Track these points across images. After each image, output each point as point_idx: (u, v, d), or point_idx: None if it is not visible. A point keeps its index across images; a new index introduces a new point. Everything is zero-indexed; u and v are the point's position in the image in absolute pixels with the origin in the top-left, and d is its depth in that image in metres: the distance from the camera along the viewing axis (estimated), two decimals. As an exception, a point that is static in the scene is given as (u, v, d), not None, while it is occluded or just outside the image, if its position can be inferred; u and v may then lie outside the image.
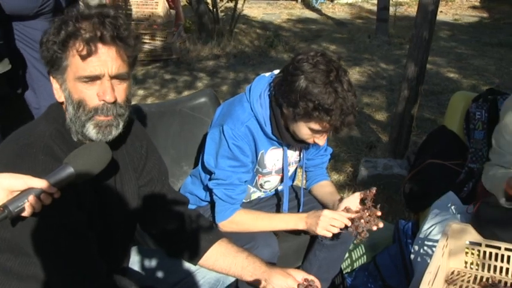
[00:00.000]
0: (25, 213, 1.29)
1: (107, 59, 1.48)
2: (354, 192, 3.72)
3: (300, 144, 2.17)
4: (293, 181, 2.54)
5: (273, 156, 2.23)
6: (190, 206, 2.28)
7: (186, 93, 6.04)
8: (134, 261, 1.96)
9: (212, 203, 2.23)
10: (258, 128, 2.12)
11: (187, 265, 1.91)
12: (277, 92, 2.01)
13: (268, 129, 2.11)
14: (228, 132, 2.08)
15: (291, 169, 2.36)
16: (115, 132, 1.55)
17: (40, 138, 1.49)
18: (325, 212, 2.06)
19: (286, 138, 2.11)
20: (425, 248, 2.43)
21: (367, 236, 2.01)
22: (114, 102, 1.51)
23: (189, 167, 2.60)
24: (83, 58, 1.46)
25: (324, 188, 2.40)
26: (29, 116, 4.73)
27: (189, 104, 2.68)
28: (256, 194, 2.40)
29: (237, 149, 2.08)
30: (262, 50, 7.86)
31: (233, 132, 2.07)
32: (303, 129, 1.99)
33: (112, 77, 1.50)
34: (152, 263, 2.00)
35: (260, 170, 2.25)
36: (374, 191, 2.02)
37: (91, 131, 1.51)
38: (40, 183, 1.30)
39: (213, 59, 7.45)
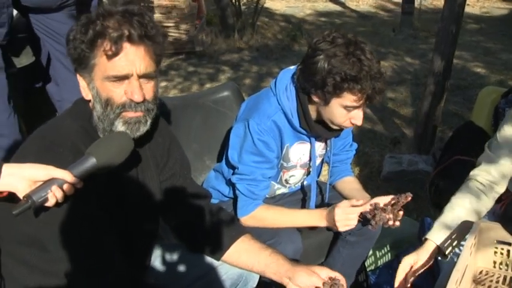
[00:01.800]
0: (48, 203, 1.32)
1: (134, 58, 1.48)
2: (378, 188, 3.71)
3: (333, 133, 2.14)
4: (318, 176, 2.51)
5: (299, 151, 2.21)
6: (213, 201, 2.28)
7: (208, 86, 6.05)
8: (155, 256, 1.96)
9: (235, 198, 2.22)
10: (284, 121, 2.10)
11: (210, 260, 1.90)
12: (301, 79, 2.00)
13: (296, 122, 2.08)
14: (253, 127, 2.06)
15: (317, 162, 2.35)
16: (143, 129, 1.55)
17: (66, 135, 1.49)
18: (339, 205, 2.04)
19: (315, 129, 2.09)
20: (452, 246, 2.39)
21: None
22: (143, 101, 1.51)
23: (211, 162, 2.59)
24: (111, 57, 1.45)
25: (351, 184, 2.38)
26: (51, 109, 4.78)
27: (211, 97, 2.67)
28: (280, 190, 2.39)
29: (263, 144, 2.07)
30: (285, 43, 7.82)
31: (259, 127, 2.05)
32: (338, 110, 1.95)
33: (140, 76, 1.50)
34: (174, 257, 1.99)
35: (285, 164, 2.23)
36: (409, 198, 1.99)
37: (120, 128, 1.51)
38: (63, 174, 1.32)
39: (235, 52, 7.43)
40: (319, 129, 2.09)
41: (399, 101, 5.53)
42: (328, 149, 2.30)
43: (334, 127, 2.05)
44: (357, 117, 1.98)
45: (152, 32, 1.51)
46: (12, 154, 3.61)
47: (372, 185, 3.78)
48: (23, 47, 3.75)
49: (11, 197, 1.33)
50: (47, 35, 3.70)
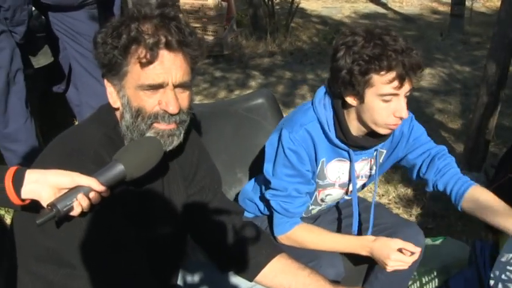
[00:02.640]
0: (73, 213, 1.34)
1: (171, 67, 1.49)
2: (423, 207, 3.69)
3: (375, 140, 2.10)
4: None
5: (337, 168, 2.19)
6: (248, 215, 2.29)
7: (237, 92, 6.09)
8: (182, 275, 1.98)
9: (271, 214, 2.24)
10: (319, 132, 2.08)
11: (241, 281, 1.92)
12: (331, 83, 2.01)
13: (332, 133, 2.07)
14: (285, 136, 2.06)
15: (359, 183, 2.31)
16: (176, 142, 1.57)
17: (89, 144, 1.51)
18: (393, 245, 2.03)
19: (353, 138, 2.06)
20: (507, 273, 2.37)
21: None
22: (178, 113, 1.52)
23: (243, 175, 2.61)
24: (146, 65, 1.47)
25: (483, 196, 2.16)
26: (68, 114, 4.86)
27: (244, 105, 2.70)
28: (315, 210, 2.39)
29: (294, 155, 2.06)
30: (322, 47, 7.83)
31: (290, 135, 2.05)
32: (375, 104, 1.92)
33: (175, 86, 1.51)
34: (202, 277, 2.01)
35: (320, 182, 2.20)
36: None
37: None
38: (89, 181, 1.35)
39: (267, 56, 7.47)
40: (358, 138, 2.07)
41: (447, 112, 5.49)
42: (375, 167, 2.25)
43: (381, 130, 1.99)
44: (399, 107, 1.92)
45: (190, 38, 1.53)
46: (27, 160, 3.69)
47: (417, 204, 3.75)
48: (42, 47, 3.82)
49: (33, 206, 1.35)
50: (66, 34, 3.78)
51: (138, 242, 1.54)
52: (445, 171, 2.21)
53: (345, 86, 1.93)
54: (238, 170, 2.63)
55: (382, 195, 3.92)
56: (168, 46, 1.48)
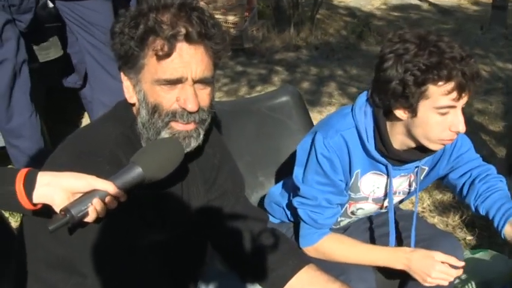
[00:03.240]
0: (88, 219, 1.33)
1: (191, 61, 1.49)
2: (461, 217, 3.65)
3: (421, 155, 2.05)
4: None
5: (373, 182, 2.15)
6: (274, 220, 2.28)
7: (259, 89, 6.09)
8: (201, 285, 1.97)
9: (297, 222, 2.22)
10: (356, 141, 2.04)
11: (263, 292, 1.91)
12: (376, 95, 1.95)
13: (371, 145, 2.02)
14: (318, 141, 2.03)
15: (395, 199, 2.27)
16: (194, 144, 1.57)
17: (104, 144, 1.51)
18: (436, 256, 2.00)
19: (394, 152, 2.01)
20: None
21: None
22: (197, 111, 1.51)
23: (265, 178, 2.61)
24: (163, 58, 1.46)
25: None
26: (77, 110, 4.89)
27: (268, 103, 2.69)
28: (345, 222, 2.36)
29: (327, 162, 2.03)
30: (350, 41, 7.81)
31: (324, 141, 2.02)
32: (431, 118, 1.87)
33: (195, 81, 1.51)
34: (220, 287, 2.01)
35: (352, 195, 2.17)
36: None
37: None
38: (105, 185, 1.34)
39: (291, 50, 7.46)
40: (400, 152, 2.02)
41: (488, 113, 5.44)
42: (415, 185, 2.21)
43: (433, 146, 1.95)
44: (456, 121, 1.87)
45: (213, 30, 1.52)
46: (32, 158, 3.71)
47: (454, 212, 3.71)
48: (51, 38, 3.85)
49: (45, 211, 1.35)
50: (77, 24, 3.79)
51: (155, 248, 1.54)
52: (487, 196, 2.17)
53: (395, 98, 1.88)
54: (260, 173, 2.63)
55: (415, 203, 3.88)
56: (188, 38, 1.47)
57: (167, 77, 1.48)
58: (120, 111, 1.63)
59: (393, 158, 2.04)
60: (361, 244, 2.17)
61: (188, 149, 1.56)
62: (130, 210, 1.46)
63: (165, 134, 1.53)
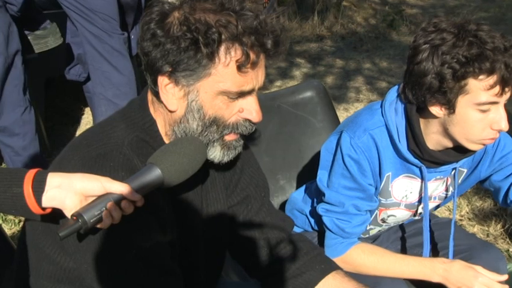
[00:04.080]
0: (102, 225, 1.33)
1: (259, 70, 1.51)
2: (503, 225, 3.64)
3: (459, 156, 2.04)
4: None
5: (405, 186, 2.14)
6: (296, 229, 2.28)
7: (279, 84, 6.11)
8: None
9: (322, 231, 2.22)
10: (386, 141, 2.04)
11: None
12: (409, 89, 1.94)
13: (403, 145, 2.02)
14: (345, 141, 2.03)
15: (431, 205, 2.26)
16: (235, 154, 1.60)
17: (118, 147, 1.51)
18: (480, 271, 2.00)
19: (429, 152, 2.00)
20: None
21: None
22: None
23: (287, 181, 2.61)
24: (239, 69, 1.46)
25: None
26: (77, 104, 4.92)
27: (290, 98, 2.70)
28: (375, 230, 2.36)
29: (355, 164, 2.03)
30: (380, 31, 7.80)
31: (352, 141, 2.02)
32: (471, 115, 1.87)
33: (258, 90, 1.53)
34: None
35: (383, 200, 2.17)
36: None
37: (217, 152, 1.55)
38: (121, 188, 1.34)
39: (314, 40, 7.46)
40: (436, 153, 2.01)
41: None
42: (452, 189, 2.21)
43: (472, 146, 1.94)
44: (498, 118, 1.87)
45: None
46: (27, 158, 3.70)
47: (496, 220, 3.70)
48: (50, 25, 3.86)
49: (54, 216, 1.35)
50: (77, 12, 3.80)
51: (173, 257, 1.55)
52: None
53: (431, 94, 1.87)
54: (280, 176, 2.64)
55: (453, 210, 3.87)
56: (264, 47, 1.48)
57: (239, 89, 1.49)
58: (135, 111, 1.62)
59: (428, 160, 2.03)
60: (393, 254, 2.17)
61: (230, 158, 1.58)
62: (149, 215, 1.46)
63: (217, 146, 1.54)
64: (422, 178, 2.10)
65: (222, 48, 1.45)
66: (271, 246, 1.85)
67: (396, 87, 2.08)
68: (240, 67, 1.45)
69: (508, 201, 2.19)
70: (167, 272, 1.50)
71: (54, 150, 4.25)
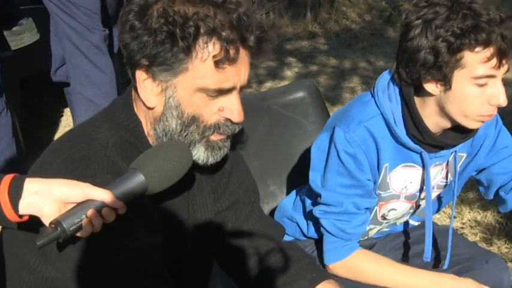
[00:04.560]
0: (82, 233, 1.33)
1: (241, 67, 1.51)
2: (507, 233, 3.64)
3: (461, 137, 2.06)
4: (435, 211, 2.47)
5: (404, 176, 2.15)
6: (287, 238, 2.28)
7: (269, 84, 6.12)
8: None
9: (318, 239, 2.22)
10: (384, 130, 2.05)
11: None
12: (403, 68, 1.97)
13: (401, 130, 2.03)
14: (339, 136, 2.04)
15: (433, 195, 2.26)
16: (222, 155, 1.60)
17: (102, 149, 1.51)
18: None
19: (432, 136, 2.02)
20: None
21: None
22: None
23: (277, 186, 2.62)
24: (216, 65, 1.47)
25: None
26: (57, 105, 4.89)
27: (280, 99, 2.70)
28: (374, 230, 2.36)
29: (351, 159, 2.04)
30: (376, 27, 7.80)
31: (346, 135, 2.03)
32: (467, 90, 1.89)
33: (240, 89, 1.54)
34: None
35: (382, 194, 2.18)
36: None
37: (201, 153, 1.56)
38: (102, 194, 1.34)
39: (306, 38, 7.47)
40: (436, 135, 2.03)
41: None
42: (451, 177, 2.22)
43: (471, 124, 1.96)
44: (496, 93, 1.90)
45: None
46: (4, 163, 3.69)
47: (500, 230, 3.71)
48: (25, 20, 3.85)
49: (31, 224, 1.35)
50: (59, 6, 3.80)
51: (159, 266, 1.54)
52: None
53: (426, 70, 1.90)
54: (271, 181, 2.64)
55: (454, 217, 3.87)
56: (244, 42, 1.49)
57: (218, 87, 1.50)
58: (118, 111, 1.63)
59: (428, 143, 2.06)
60: (398, 264, 2.16)
61: (216, 160, 1.59)
62: (133, 222, 1.47)
63: (200, 147, 1.55)
64: (423, 165, 2.12)
65: (199, 42, 1.46)
66: (261, 255, 1.86)
67: (385, 73, 2.12)
68: (217, 63, 1.46)
69: (501, 194, 2.25)
70: (155, 276, 1.50)
71: (30, 154, 4.23)
